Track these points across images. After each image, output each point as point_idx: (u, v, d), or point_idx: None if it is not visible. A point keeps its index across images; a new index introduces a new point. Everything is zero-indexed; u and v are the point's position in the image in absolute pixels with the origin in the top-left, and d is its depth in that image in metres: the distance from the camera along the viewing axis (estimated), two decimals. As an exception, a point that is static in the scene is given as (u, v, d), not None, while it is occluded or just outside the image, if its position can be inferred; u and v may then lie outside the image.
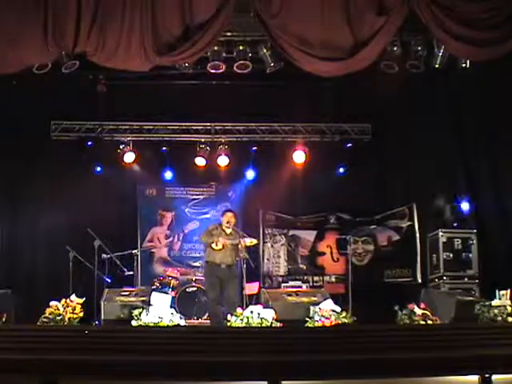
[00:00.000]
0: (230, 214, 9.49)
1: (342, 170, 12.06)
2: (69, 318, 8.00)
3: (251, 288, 10.34)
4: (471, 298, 8.88)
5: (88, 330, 7.41)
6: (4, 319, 8.05)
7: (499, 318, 8.02)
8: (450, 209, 10.97)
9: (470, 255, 10.41)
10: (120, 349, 6.79)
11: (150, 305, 8.09)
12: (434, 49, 9.35)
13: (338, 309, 8.25)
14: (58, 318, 7.95)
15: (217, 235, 9.37)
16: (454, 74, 9.89)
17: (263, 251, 11.90)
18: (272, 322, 7.80)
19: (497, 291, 8.43)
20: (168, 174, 12.30)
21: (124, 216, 12.14)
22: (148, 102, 11.60)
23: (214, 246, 9.36)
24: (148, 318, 7.81)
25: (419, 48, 9.40)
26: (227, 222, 9.43)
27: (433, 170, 11.08)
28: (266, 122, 12.09)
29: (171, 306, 8.24)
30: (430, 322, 8.04)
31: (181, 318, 7.98)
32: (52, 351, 6.67)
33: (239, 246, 9.29)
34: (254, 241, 9.59)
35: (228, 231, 9.42)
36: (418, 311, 8.13)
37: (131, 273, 10.90)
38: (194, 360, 6.60)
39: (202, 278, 11.41)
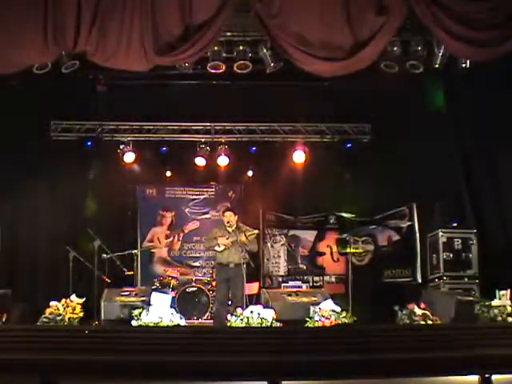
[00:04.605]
0: (228, 214, 9.51)
1: (341, 170, 12.06)
2: (69, 318, 8.00)
3: (251, 288, 10.35)
4: (471, 298, 8.88)
5: (88, 330, 7.41)
6: (4, 319, 8.05)
7: (499, 318, 8.02)
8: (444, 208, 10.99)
9: (470, 255, 10.41)
10: (120, 349, 6.79)
11: (150, 305, 8.09)
12: (434, 49, 9.34)
13: (338, 309, 8.24)
14: (58, 317, 7.95)
15: (219, 236, 9.40)
16: (454, 73, 9.89)
17: (263, 251, 11.90)
18: (272, 322, 7.80)
19: (497, 291, 8.43)
20: (168, 174, 12.32)
21: (124, 216, 12.15)
22: (148, 102, 11.59)
23: (217, 248, 9.41)
24: (148, 318, 7.80)
25: (419, 48, 9.38)
26: (227, 222, 9.46)
27: (433, 170, 11.07)
28: (266, 122, 12.10)
29: (171, 306, 8.24)
30: (430, 321, 8.04)
31: (181, 318, 7.97)
32: (52, 351, 6.67)
33: (240, 240, 9.28)
34: (255, 231, 9.60)
35: (230, 230, 9.44)
36: (418, 311, 8.13)
37: (131, 273, 10.91)
38: (194, 360, 6.61)
39: (202, 278, 11.44)
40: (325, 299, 8.68)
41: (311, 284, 11.92)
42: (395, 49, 9.26)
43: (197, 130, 12.18)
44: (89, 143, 11.78)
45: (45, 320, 7.93)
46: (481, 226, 10.58)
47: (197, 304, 10.68)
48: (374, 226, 12.02)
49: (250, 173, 12.39)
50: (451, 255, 10.42)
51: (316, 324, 8.03)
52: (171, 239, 12.40)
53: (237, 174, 12.38)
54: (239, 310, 8.01)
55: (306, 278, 11.99)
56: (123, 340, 7.11)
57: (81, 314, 8.18)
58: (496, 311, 8.10)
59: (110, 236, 10.85)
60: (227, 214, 9.53)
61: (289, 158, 12.04)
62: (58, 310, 8.04)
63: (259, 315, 7.78)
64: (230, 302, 9.32)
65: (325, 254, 12.23)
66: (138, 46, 8.09)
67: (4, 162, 10.81)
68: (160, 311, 7.85)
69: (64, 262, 9.97)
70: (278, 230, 12.22)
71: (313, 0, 8.21)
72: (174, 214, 12.49)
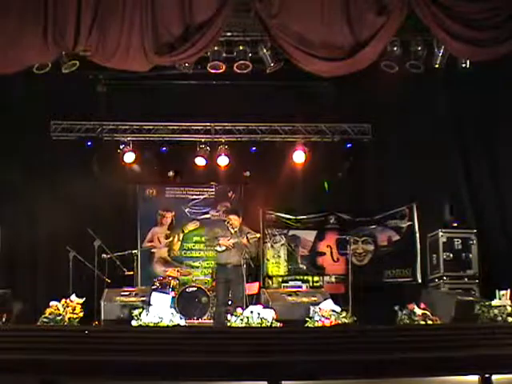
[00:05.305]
0: (232, 217, 9.51)
1: (341, 169, 12.06)
2: (69, 318, 8.01)
3: (251, 288, 10.36)
4: (471, 298, 8.88)
5: (88, 330, 7.42)
6: (4, 319, 8.06)
7: (499, 318, 8.02)
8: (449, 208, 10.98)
9: (470, 255, 10.42)
10: (120, 349, 6.79)
11: (150, 305, 8.09)
12: (434, 49, 9.35)
13: (338, 309, 8.25)
14: (58, 317, 7.96)
15: (221, 237, 9.40)
16: (454, 73, 9.89)
17: (263, 251, 11.90)
18: (272, 322, 7.80)
19: (497, 291, 8.44)
20: (170, 174, 12.32)
21: (124, 216, 12.15)
22: (148, 101, 11.60)
23: (218, 248, 9.41)
24: (148, 318, 7.81)
25: (419, 48, 9.40)
26: (230, 224, 9.47)
27: (433, 170, 11.08)
28: (266, 122, 12.09)
29: (171, 306, 8.24)
30: (430, 321, 8.05)
31: (181, 318, 7.98)
32: (52, 351, 6.68)
33: (241, 242, 9.29)
34: (257, 235, 9.62)
35: (232, 231, 9.44)
36: (418, 311, 8.14)
37: (131, 273, 10.91)
38: (193, 360, 6.61)
39: (202, 278, 11.44)
40: (325, 299, 8.69)
41: (311, 284, 11.90)
42: (395, 49, 9.26)
43: (197, 130, 12.17)
44: (89, 143, 11.78)
45: (45, 320, 7.93)
46: (481, 225, 10.59)
47: (197, 304, 10.67)
48: (373, 226, 12.00)
49: (247, 173, 12.36)
50: (451, 255, 10.42)
51: (316, 324, 8.04)
52: (171, 239, 12.39)
53: (237, 174, 12.37)
54: (239, 310, 8.02)
55: (305, 278, 11.97)
56: (123, 340, 7.12)
57: (81, 314, 8.19)
58: (496, 311, 8.10)
59: (110, 236, 10.85)
60: (231, 217, 9.51)
61: (289, 158, 12.03)
62: (58, 309, 8.05)
63: (259, 315, 7.79)
64: (230, 302, 9.33)
65: (325, 254, 12.21)
66: (138, 46, 8.09)
67: (4, 162, 10.82)
68: (160, 311, 7.86)
69: (64, 261, 9.98)
70: (278, 230, 12.20)
71: (313, 0, 8.21)
72: (173, 214, 12.48)
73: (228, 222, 9.47)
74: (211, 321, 10.13)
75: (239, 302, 9.01)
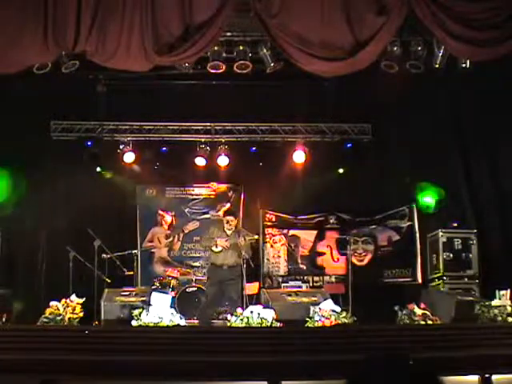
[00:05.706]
0: (229, 218, 9.52)
1: (341, 170, 12.07)
2: (69, 318, 8.01)
3: (251, 288, 10.36)
4: (471, 298, 8.89)
5: (88, 330, 7.42)
6: (4, 319, 8.06)
7: (499, 318, 8.03)
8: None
9: (470, 255, 10.42)
10: (120, 349, 6.79)
11: (149, 305, 8.09)
12: (434, 49, 9.35)
13: (338, 309, 8.25)
14: (58, 318, 7.96)
15: (218, 237, 9.40)
16: (454, 73, 9.89)
17: (263, 251, 11.90)
18: (272, 322, 7.80)
19: (497, 291, 8.44)
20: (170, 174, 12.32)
21: (124, 216, 12.15)
22: (148, 102, 11.60)
23: (214, 248, 9.41)
24: (148, 317, 7.80)
25: (419, 48, 9.39)
26: (228, 224, 9.47)
27: (433, 170, 11.08)
28: (266, 122, 12.08)
29: (171, 306, 8.24)
30: (430, 321, 8.05)
31: (181, 318, 7.98)
32: (52, 351, 6.68)
33: (239, 243, 9.30)
34: (255, 237, 9.63)
35: (229, 232, 9.44)
36: (418, 311, 8.14)
37: (131, 273, 10.91)
38: (193, 360, 6.61)
39: (202, 277, 11.44)
40: (325, 299, 8.68)
41: (311, 284, 11.90)
42: (395, 49, 9.26)
43: (197, 130, 12.16)
44: (89, 143, 11.78)
45: (45, 320, 7.93)
46: (481, 225, 10.60)
47: (197, 304, 10.67)
48: (374, 226, 12.00)
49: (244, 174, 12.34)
50: (451, 255, 10.43)
51: (316, 324, 8.03)
52: (171, 239, 12.39)
53: (237, 174, 12.37)
54: (239, 310, 8.02)
55: (305, 278, 11.97)
56: (123, 340, 7.12)
57: (81, 314, 8.19)
58: (496, 311, 8.11)
59: (110, 236, 10.85)
60: (228, 218, 9.53)
61: (289, 157, 12.03)
62: (58, 309, 8.05)
63: (259, 315, 7.79)
64: (227, 303, 9.34)
65: (325, 254, 12.21)
66: (138, 46, 8.08)
67: (4, 162, 10.81)
68: (160, 311, 7.85)
69: (64, 262, 9.98)
70: (278, 230, 12.21)
71: (313, 0, 8.21)
72: (173, 214, 12.48)
73: (227, 222, 9.48)
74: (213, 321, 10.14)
75: (234, 303, 9.02)
